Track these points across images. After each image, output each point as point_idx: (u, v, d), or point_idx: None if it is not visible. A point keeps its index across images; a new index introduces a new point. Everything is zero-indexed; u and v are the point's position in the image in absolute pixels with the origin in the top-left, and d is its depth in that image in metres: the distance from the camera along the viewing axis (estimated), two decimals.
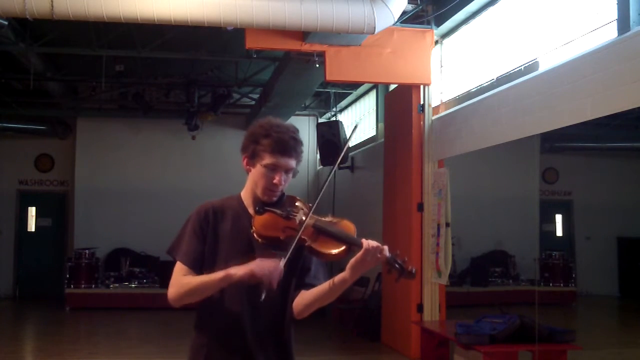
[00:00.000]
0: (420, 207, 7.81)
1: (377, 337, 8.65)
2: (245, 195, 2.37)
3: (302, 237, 2.18)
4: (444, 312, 7.71)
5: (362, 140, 11.41)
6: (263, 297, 2.08)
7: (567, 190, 13.95)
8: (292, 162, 2.29)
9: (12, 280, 12.99)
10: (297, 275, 2.31)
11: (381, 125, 10.04)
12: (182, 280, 2.24)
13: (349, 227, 2.24)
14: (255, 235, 2.23)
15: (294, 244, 2.15)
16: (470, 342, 5.72)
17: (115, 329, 9.95)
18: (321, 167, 12.42)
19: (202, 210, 2.32)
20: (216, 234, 2.29)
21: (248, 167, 2.33)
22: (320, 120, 12.94)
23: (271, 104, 10.37)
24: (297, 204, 2.32)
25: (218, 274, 2.16)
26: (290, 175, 2.31)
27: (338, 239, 2.19)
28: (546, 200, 13.57)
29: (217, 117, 11.70)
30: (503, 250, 12.80)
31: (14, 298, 12.83)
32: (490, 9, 6.94)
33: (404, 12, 7.05)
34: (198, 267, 2.27)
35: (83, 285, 11.52)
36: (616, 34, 4.88)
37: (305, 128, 13.01)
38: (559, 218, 14.10)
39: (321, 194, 2.32)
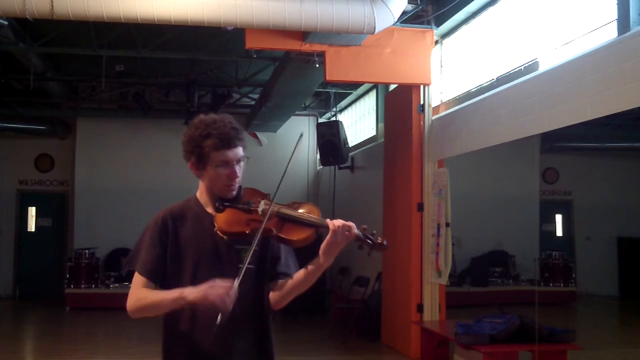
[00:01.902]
0: (420, 207, 7.82)
1: (377, 337, 8.65)
2: (201, 196, 2.34)
3: (268, 227, 2.16)
4: (444, 312, 7.71)
5: (362, 140, 11.41)
6: (219, 320, 2.02)
7: (567, 190, 13.95)
8: (240, 151, 2.25)
9: (12, 280, 12.98)
10: (269, 265, 2.30)
11: (381, 125, 10.04)
12: (138, 293, 2.20)
13: (312, 210, 2.24)
14: (219, 233, 2.20)
15: (259, 236, 2.13)
16: (470, 342, 5.72)
17: (115, 329, 9.95)
18: (321, 167, 12.42)
19: (160, 218, 2.28)
20: (178, 240, 2.26)
21: (197, 172, 2.28)
22: (320, 120, 12.94)
23: (271, 104, 10.37)
24: (255, 194, 2.30)
25: (172, 294, 2.13)
26: (242, 164, 2.27)
27: (304, 223, 2.18)
28: (546, 200, 13.57)
29: None
30: (503, 250, 12.79)
31: (14, 298, 12.82)
32: (490, 9, 6.94)
33: (404, 12, 7.05)
34: (156, 277, 2.22)
35: (83, 285, 11.52)
36: (616, 34, 4.88)
37: (305, 128, 13.03)
38: (559, 218, 14.10)
39: (282, 180, 2.25)
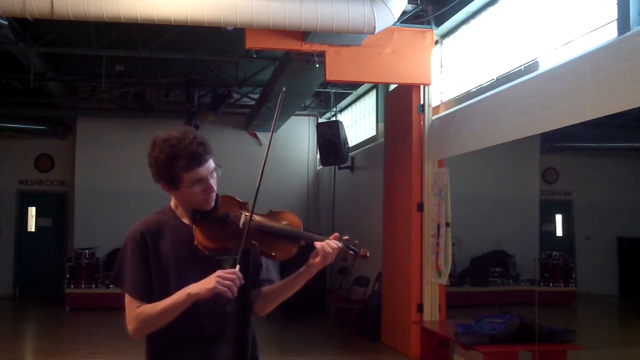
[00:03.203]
0: (420, 207, 7.81)
1: (377, 337, 8.65)
2: (176, 207, 2.28)
3: (250, 241, 2.13)
4: (444, 312, 7.71)
5: (362, 140, 11.41)
6: (228, 308, 2.07)
7: (567, 190, 13.96)
8: (211, 163, 2.18)
9: (12, 280, 12.98)
10: (251, 273, 2.25)
11: (381, 125, 10.04)
12: (139, 314, 2.16)
13: (293, 220, 2.24)
14: (200, 247, 2.14)
15: (241, 250, 2.08)
16: (470, 342, 5.71)
17: (115, 329, 9.93)
18: (321, 167, 12.42)
19: (138, 234, 2.21)
20: (159, 255, 2.20)
21: (170, 192, 2.23)
22: (320, 120, 12.94)
23: (271, 104, 10.36)
24: (232, 203, 2.25)
25: (179, 298, 2.09)
26: (215, 174, 2.21)
27: (286, 237, 2.19)
28: (546, 200, 13.58)
29: (217, 117, 11.71)
30: (503, 250, 12.80)
31: (14, 298, 12.83)
32: (490, 9, 6.94)
33: (404, 12, 7.05)
34: (147, 296, 2.18)
35: (83, 285, 11.52)
36: (616, 34, 4.88)
37: (305, 128, 13.02)
38: (559, 218, 14.11)
39: (258, 188, 2.17)
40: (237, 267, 2.05)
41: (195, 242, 2.15)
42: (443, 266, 7.26)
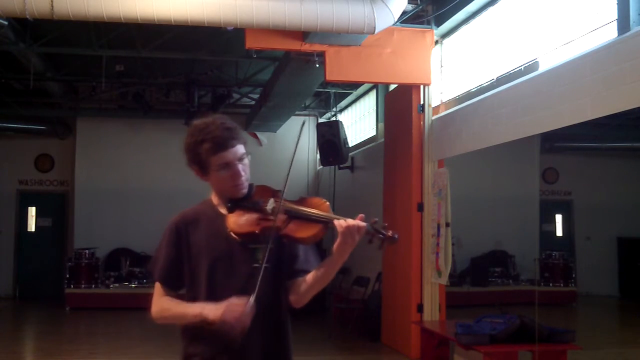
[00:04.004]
0: (420, 207, 7.81)
1: (377, 337, 8.65)
2: (215, 198, 2.34)
3: (277, 225, 2.15)
4: (444, 312, 7.71)
5: (362, 140, 11.41)
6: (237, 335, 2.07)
7: (567, 190, 13.96)
8: (240, 149, 2.23)
9: (12, 280, 12.98)
10: (287, 263, 2.28)
11: (381, 125, 10.04)
12: (162, 303, 2.28)
13: (321, 205, 2.21)
14: (232, 234, 2.20)
15: (270, 236, 2.12)
16: (470, 342, 5.71)
17: (115, 329, 9.96)
18: (321, 167, 12.42)
19: (174, 224, 2.29)
20: (192, 244, 2.26)
21: (203, 177, 2.28)
22: (320, 120, 12.94)
23: (271, 104, 10.37)
24: (267, 192, 2.28)
25: (193, 311, 2.17)
26: (246, 161, 2.25)
27: (312, 220, 2.16)
28: (546, 200, 13.58)
29: None
30: (503, 250, 12.79)
31: (14, 298, 12.83)
32: (490, 9, 6.94)
33: (404, 12, 7.05)
34: (172, 283, 2.28)
35: (83, 285, 11.52)
36: (616, 34, 4.88)
37: (305, 128, 13.02)
38: (559, 218, 14.11)
39: (288, 176, 2.24)
40: (252, 298, 2.07)
41: (228, 230, 2.20)
42: (443, 266, 7.27)
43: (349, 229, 2.07)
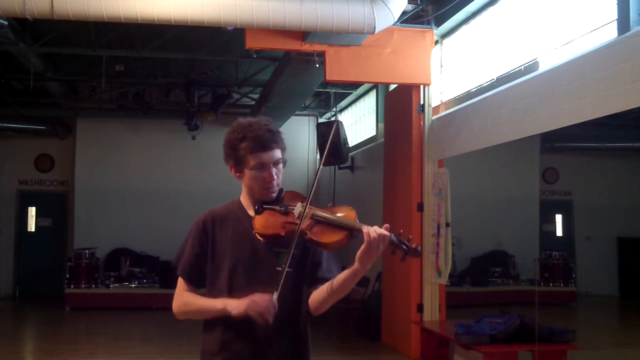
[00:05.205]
0: (420, 207, 7.82)
1: (377, 337, 8.65)
2: (244, 199, 2.37)
3: (302, 229, 2.16)
4: (444, 312, 7.71)
5: (362, 140, 11.41)
6: (261, 326, 2.11)
7: (567, 190, 13.96)
8: (277, 153, 2.27)
9: (12, 280, 12.98)
10: (309, 270, 2.29)
11: (381, 125, 10.05)
12: (184, 298, 2.30)
13: (349, 213, 2.22)
14: (257, 235, 2.22)
15: (296, 239, 2.14)
16: (470, 342, 5.71)
17: (115, 329, 9.95)
18: (321, 167, 12.41)
19: (201, 221, 2.33)
20: (217, 242, 2.29)
21: (237, 174, 2.31)
22: (320, 120, 12.94)
23: (271, 104, 10.37)
24: (296, 198, 2.31)
25: (217, 305, 2.20)
26: (281, 166, 2.29)
27: (338, 226, 2.17)
28: (546, 200, 13.57)
29: (217, 117, 11.71)
30: (503, 250, 12.79)
31: (14, 298, 12.83)
32: (490, 9, 6.94)
33: (404, 12, 7.05)
34: (194, 279, 2.31)
35: (83, 285, 11.51)
36: (616, 34, 4.88)
37: (305, 128, 13.02)
38: (559, 218, 14.10)
39: (315, 183, 2.31)
40: (275, 295, 2.09)
41: (254, 231, 2.22)
42: (443, 266, 7.27)
43: (375, 240, 2.07)
